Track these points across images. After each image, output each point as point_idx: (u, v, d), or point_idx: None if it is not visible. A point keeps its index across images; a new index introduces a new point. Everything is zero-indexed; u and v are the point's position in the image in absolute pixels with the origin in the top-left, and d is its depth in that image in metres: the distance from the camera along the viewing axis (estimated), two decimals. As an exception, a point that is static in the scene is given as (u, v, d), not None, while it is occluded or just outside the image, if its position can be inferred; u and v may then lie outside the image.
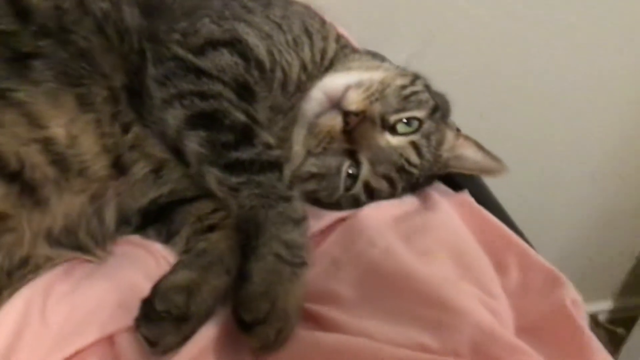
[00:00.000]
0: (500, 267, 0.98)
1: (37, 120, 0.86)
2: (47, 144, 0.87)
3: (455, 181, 1.20)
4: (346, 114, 1.00)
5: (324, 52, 1.12)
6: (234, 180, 0.87)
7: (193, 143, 0.90)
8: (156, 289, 0.81)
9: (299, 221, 0.87)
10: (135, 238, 0.97)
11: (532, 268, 0.99)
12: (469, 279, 0.92)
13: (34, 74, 0.87)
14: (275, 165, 0.90)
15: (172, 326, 0.78)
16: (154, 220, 0.98)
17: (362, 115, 1.00)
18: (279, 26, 1.08)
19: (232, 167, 0.88)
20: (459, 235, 1.02)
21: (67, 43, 0.91)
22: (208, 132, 0.90)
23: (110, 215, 0.94)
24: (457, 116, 1.19)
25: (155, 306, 0.79)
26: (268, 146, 0.91)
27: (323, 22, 1.17)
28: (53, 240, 0.89)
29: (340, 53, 1.16)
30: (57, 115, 0.88)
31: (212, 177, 0.89)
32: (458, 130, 1.18)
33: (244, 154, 0.89)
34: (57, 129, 0.88)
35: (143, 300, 0.81)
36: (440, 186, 1.18)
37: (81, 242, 0.92)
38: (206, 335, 0.79)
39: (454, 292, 0.85)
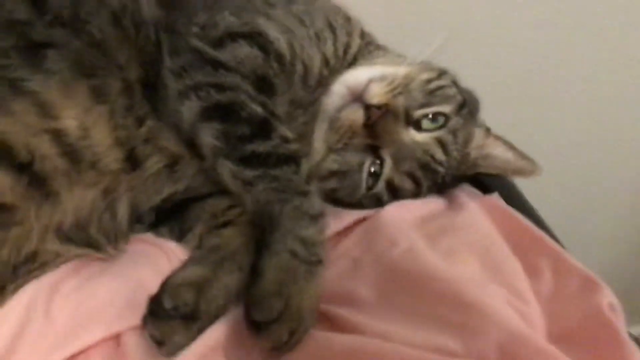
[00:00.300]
0: (532, 271, 0.92)
1: (48, 110, 0.84)
2: (58, 135, 0.84)
3: (484, 183, 1.14)
4: (368, 108, 0.95)
5: (347, 47, 1.08)
6: (248, 173, 0.83)
7: (208, 135, 0.87)
8: (165, 285, 0.78)
9: (316, 217, 0.82)
10: (148, 236, 0.94)
11: (567, 272, 0.92)
12: (497, 281, 0.86)
13: (47, 63, 0.85)
14: (293, 159, 0.86)
15: (180, 324, 0.75)
16: (168, 217, 0.95)
17: (385, 109, 0.95)
18: (301, 20, 1.05)
19: (247, 160, 0.84)
20: (487, 236, 0.96)
21: (81, 33, 0.89)
22: (223, 125, 0.87)
23: (122, 212, 0.91)
24: (488, 117, 1.13)
25: (164, 303, 0.76)
26: (285, 140, 0.88)
27: (347, 18, 1.13)
28: (63, 235, 0.86)
29: (364, 49, 1.12)
30: (69, 106, 0.85)
31: (227, 170, 0.85)
32: (488, 129, 1.12)
33: (260, 146, 0.85)
34: (69, 120, 0.85)
35: (151, 298, 0.78)
36: (468, 188, 1.12)
37: (92, 239, 0.89)
38: (215, 334, 0.75)
39: (481, 293, 0.79)
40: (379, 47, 1.16)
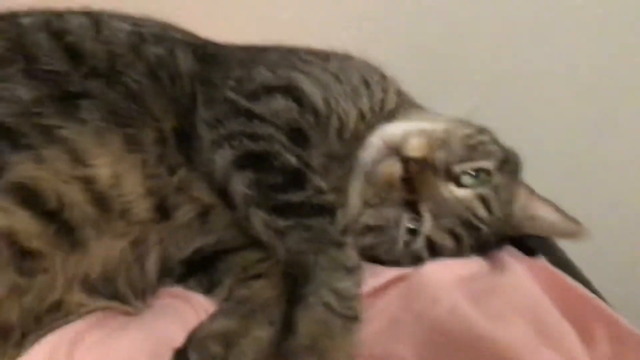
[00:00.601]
0: (587, 337, 0.84)
1: (80, 157, 0.83)
2: (89, 182, 0.83)
3: (527, 246, 1.08)
4: (406, 161, 0.92)
5: (383, 103, 1.06)
6: (281, 223, 0.80)
7: (240, 184, 0.84)
8: (191, 337, 0.73)
9: (352, 270, 0.78)
10: (176, 289, 0.90)
11: (625, 340, 0.84)
12: (550, 346, 0.79)
13: (82, 113, 0.85)
14: (327, 210, 0.82)
15: None
16: (196, 270, 0.91)
17: (424, 163, 0.92)
18: (337, 77, 1.04)
19: (280, 210, 0.81)
20: (536, 300, 0.89)
21: (117, 84, 0.89)
22: (256, 173, 0.84)
23: (152, 265, 0.88)
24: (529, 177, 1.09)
25: (189, 356, 0.71)
26: (320, 191, 0.85)
27: (383, 76, 1.13)
28: (89, 287, 0.83)
29: (400, 107, 1.10)
30: (102, 154, 0.84)
31: (259, 219, 0.82)
32: (531, 190, 1.08)
33: (294, 196, 0.82)
34: (101, 168, 0.84)
35: (176, 350, 0.73)
36: (511, 250, 1.06)
37: (119, 292, 0.85)
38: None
39: (536, 357, 0.72)
40: (415, 106, 1.15)
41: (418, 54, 1.55)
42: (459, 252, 0.96)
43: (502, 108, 1.31)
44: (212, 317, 0.78)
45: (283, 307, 0.77)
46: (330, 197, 0.85)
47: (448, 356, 0.76)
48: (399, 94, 1.13)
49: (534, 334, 0.82)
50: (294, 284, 0.76)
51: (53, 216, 0.79)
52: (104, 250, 0.83)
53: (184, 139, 0.90)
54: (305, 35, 1.12)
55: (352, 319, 0.74)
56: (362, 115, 1.02)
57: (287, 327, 0.72)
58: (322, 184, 0.86)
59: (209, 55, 1.02)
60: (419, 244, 0.94)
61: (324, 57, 1.10)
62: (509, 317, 0.84)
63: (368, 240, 0.95)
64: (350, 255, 0.79)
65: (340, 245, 0.79)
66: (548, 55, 1.61)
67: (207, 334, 0.74)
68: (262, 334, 0.76)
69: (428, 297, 0.85)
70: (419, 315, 0.82)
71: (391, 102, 1.08)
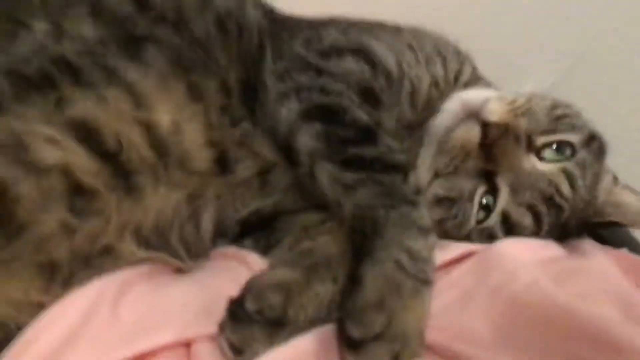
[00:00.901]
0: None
1: (142, 101, 0.79)
2: (149, 127, 0.79)
3: (604, 239, 0.99)
4: (486, 126, 0.85)
5: (458, 74, 1.00)
6: (350, 177, 0.74)
7: (307, 136, 0.79)
8: (249, 286, 0.68)
9: (426, 231, 0.71)
10: (231, 250, 0.84)
11: None
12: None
13: (146, 56, 0.82)
14: (400, 169, 0.76)
15: (263, 331, 0.64)
16: (253, 230, 0.85)
17: (505, 129, 0.84)
18: (410, 45, 0.99)
19: (350, 163, 0.75)
20: (621, 285, 0.80)
21: (184, 31, 0.86)
22: (325, 126, 0.79)
23: (207, 222, 0.83)
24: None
25: (246, 305, 0.65)
26: (392, 150, 0.78)
27: (458, 50, 1.06)
28: (141, 237, 0.78)
29: (475, 82, 1.03)
30: (164, 100, 0.81)
31: (326, 174, 0.76)
32: (615, 177, 0.99)
33: (365, 151, 0.76)
34: (162, 115, 0.80)
35: (232, 300, 0.67)
36: (590, 242, 0.97)
37: (171, 247, 0.81)
38: (301, 347, 0.63)
39: (630, 333, 0.63)
40: (490, 85, 1.08)
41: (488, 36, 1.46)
42: (537, 232, 0.87)
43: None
44: (273, 267, 0.73)
45: (347, 265, 0.71)
46: (403, 157, 0.79)
47: (528, 330, 0.67)
48: (474, 69, 1.06)
49: (623, 317, 0.73)
50: (363, 240, 0.69)
51: (111, 157, 0.76)
52: (160, 200, 0.79)
53: (249, 91, 0.86)
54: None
55: (424, 282, 0.67)
56: (435, 83, 0.95)
57: (353, 283, 0.65)
58: (394, 144, 0.80)
59: (278, 18, 0.99)
60: (494, 219, 0.86)
61: (396, 28, 1.05)
62: (595, 299, 0.75)
63: (437, 213, 0.87)
64: (424, 215, 0.73)
65: (414, 203, 0.72)
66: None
67: (267, 283, 0.68)
68: (324, 289, 0.70)
69: (506, 272, 0.76)
70: (495, 290, 0.74)
71: (466, 74, 1.01)
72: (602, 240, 0.98)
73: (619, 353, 0.61)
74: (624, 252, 0.91)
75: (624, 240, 1.00)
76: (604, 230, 0.99)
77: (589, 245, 0.93)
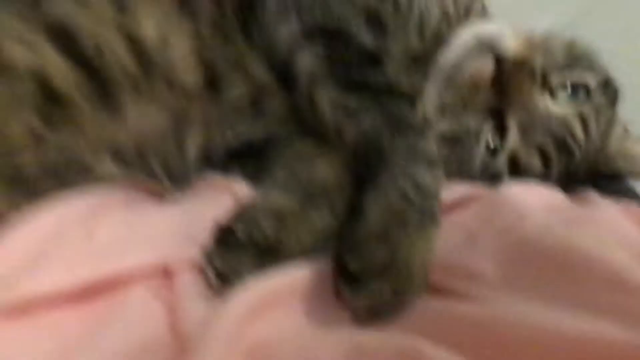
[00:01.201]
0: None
1: (127, 8, 0.72)
2: (133, 39, 0.72)
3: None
4: (500, 60, 0.78)
5: (468, 10, 0.93)
6: (354, 101, 0.68)
7: (307, 58, 0.72)
8: (240, 211, 0.61)
9: (433, 164, 0.65)
10: (215, 178, 0.77)
11: None
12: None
13: None
14: (406, 97, 0.70)
15: (252, 257, 0.59)
16: (240, 155, 0.79)
17: (520, 64, 0.78)
18: None
19: (354, 87, 0.69)
20: (634, 235, 0.76)
21: None
22: (328, 48, 0.72)
23: (191, 147, 0.76)
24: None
25: (236, 230, 0.59)
26: (398, 77, 0.72)
27: None
28: (119, 156, 0.71)
29: (484, 18, 0.96)
30: (151, 10, 0.73)
31: (326, 98, 0.70)
32: (626, 128, 0.94)
33: (370, 76, 0.70)
34: (148, 25, 0.73)
35: (219, 226, 0.61)
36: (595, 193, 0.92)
37: (152, 171, 0.74)
38: (293, 277, 0.57)
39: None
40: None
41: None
42: (545, 176, 0.82)
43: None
44: (265, 194, 0.66)
45: (346, 196, 0.65)
46: (409, 88, 0.73)
47: (538, 272, 0.62)
48: (484, 7, 0.99)
49: (636, 264, 0.68)
50: (366, 170, 0.63)
51: (88, 64, 0.69)
52: (141, 117, 0.72)
53: (245, 6, 0.78)
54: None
55: (430, 217, 0.62)
56: (445, 14, 0.88)
57: (354, 212, 0.59)
58: (401, 74, 0.74)
59: None
60: (501, 159, 0.80)
61: None
62: (609, 245, 0.70)
63: (441, 152, 0.81)
64: (432, 147, 0.67)
65: (421, 132, 0.66)
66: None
67: (260, 209, 0.62)
68: (321, 221, 0.64)
69: (514, 214, 0.71)
70: (503, 231, 0.69)
71: (477, 9, 0.94)
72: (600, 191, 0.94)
73: (633, 295, 0.57)
74: (633, 205, 0.87)
75: (621, 191, 0.96)
76: (605, 181, 0.94)
77: (594, 196, 0.88)
